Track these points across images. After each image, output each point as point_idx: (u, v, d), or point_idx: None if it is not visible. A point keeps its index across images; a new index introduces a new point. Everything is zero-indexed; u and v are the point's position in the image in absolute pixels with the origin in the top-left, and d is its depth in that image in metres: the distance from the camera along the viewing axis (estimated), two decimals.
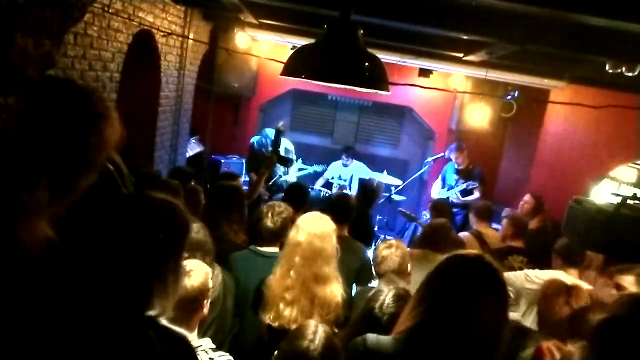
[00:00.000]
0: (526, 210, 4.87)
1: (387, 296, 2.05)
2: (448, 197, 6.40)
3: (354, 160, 7.36)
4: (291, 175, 6.39)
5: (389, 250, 2.88)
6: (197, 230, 2.43)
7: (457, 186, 6.46)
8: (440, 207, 5.02)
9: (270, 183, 5.85)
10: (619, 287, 2.66)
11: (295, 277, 2.44)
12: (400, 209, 6.65)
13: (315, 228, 2.51)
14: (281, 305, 2.43)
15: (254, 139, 6.37)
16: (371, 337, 1.54)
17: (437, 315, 1.48)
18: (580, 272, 3.32)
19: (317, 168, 7.29)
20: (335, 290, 2.47)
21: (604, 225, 1.88)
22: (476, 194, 6.41)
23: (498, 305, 1.49)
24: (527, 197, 5.05)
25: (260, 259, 2.86)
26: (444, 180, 6.81)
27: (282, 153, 5.78)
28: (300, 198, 3.92)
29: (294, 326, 2.36)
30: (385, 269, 2.82)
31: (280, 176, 6.11)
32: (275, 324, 2.43)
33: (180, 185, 3.64)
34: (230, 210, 3.28)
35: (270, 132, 6.16)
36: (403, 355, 1.47)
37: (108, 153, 1.10)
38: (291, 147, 6.43)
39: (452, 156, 6.59)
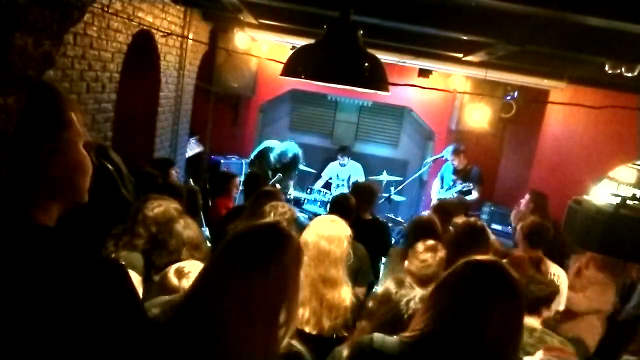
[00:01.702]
0: (526, 209, 4.89)
1: (415, 294, 1.94)
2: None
3: (350, 160, 7.36)
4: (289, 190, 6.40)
5: (430, 253, 2.73)
6: (186, 225, 2.42)
7: (455, 187, 6.47)
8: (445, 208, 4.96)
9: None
10: None
11: (304, 276, 2.43)
12: None
13: (324, 230, 2.51)
14: None
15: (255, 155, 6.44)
16: (378, 337, 1.52)
17: (445, 319, 1.43)
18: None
19: (318, 196, 6.90)
20: (344, 294, 2.45)
21: (604, 225, 1.87)
22: (474, 194, 6.42)
23: (509, 309, 1.41)
24: (527, 195, 5.07)
25: None
26: (442, 179, 6.82)
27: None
28: (348, 209, 3.64)
29: (307, 328, 2.36)
30: (421, 275, 2.63)
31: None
32: None
33: (182, 187, 3.64)
34: None
35: (273, 144, 6.22)
36: (408, 357, 1.45)
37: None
38: (295, 149, 6.46)
39: (449, 158, 6.62)
